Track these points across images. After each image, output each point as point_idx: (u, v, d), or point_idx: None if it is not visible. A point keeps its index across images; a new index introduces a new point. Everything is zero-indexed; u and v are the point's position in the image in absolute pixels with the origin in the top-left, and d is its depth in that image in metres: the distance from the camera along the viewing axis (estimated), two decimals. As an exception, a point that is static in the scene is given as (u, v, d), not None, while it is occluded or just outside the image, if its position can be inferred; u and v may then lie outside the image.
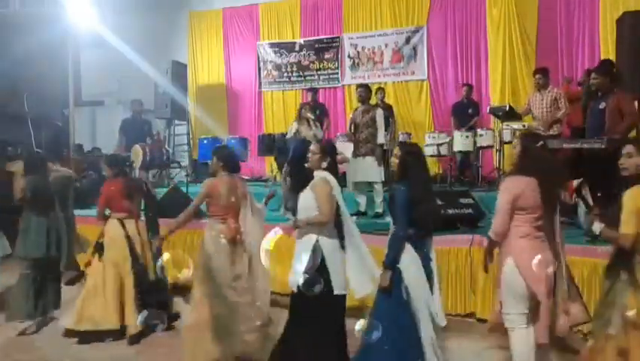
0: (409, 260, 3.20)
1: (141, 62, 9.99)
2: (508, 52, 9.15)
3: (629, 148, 2.98)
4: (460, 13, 9.67)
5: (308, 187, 3.44)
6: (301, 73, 10.99)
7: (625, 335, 2.85)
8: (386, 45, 10.25)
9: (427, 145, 7.92)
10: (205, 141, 9.59)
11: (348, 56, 10.60)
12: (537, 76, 6.87)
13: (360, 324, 3.13)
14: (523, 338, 3.11)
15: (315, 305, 3.25)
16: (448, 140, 7.90)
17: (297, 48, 11.00)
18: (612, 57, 6.88)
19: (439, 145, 7.76)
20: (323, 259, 3.30)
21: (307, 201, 3.40)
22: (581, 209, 5.11)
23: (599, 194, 3.97)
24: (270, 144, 9.37)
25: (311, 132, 6.69)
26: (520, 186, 3.08)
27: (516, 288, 3.08)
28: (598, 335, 3.05)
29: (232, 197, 4.01)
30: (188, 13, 11.82)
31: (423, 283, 3.21)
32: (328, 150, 3.52)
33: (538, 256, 3.00)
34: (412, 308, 3.16)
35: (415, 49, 10.02)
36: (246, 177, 10.08)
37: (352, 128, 6.52)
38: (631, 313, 2.80)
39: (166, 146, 10.10)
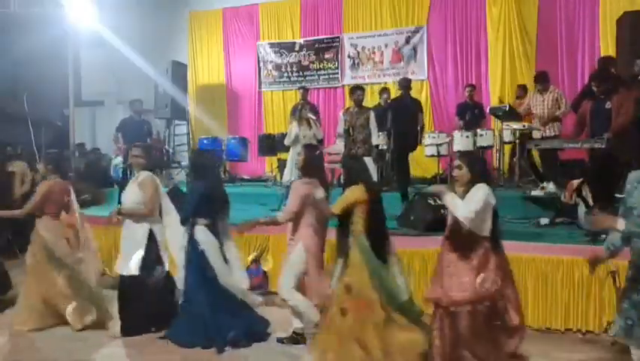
0: (214, 245, 4.16)
1: (141, 62, 9.99)
2: (508, 52, 9.15)
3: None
4: (460, 13, 9.68)
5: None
6: (301, 73, 10.98)
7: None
8: (386, 45, 10.25)
9: (426, 145, 7.90)
10: (205, 141, 9.59)
11: (348, 56, 10.60)
12: (538, 84, 6.93)
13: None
14: None
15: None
16: (448, 140, 7.89)
17: (297, 48, 11.00)
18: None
19: (438, 145, 7.75)
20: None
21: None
22: (581, 209, 5.12)
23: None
24: (270, 144, 9.38)
25: (311, 132, 6.70)
26: (308, 188, 3.85)
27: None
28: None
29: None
30: (188, 13, 11.81)
31: (221, 262, 4.20)
32: None
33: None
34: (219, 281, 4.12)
35: (415, 49, 10.02)
36: (246, 177, 10.12)
37: (351, 130, 6.47)
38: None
39: (166, 146, 10.10)
